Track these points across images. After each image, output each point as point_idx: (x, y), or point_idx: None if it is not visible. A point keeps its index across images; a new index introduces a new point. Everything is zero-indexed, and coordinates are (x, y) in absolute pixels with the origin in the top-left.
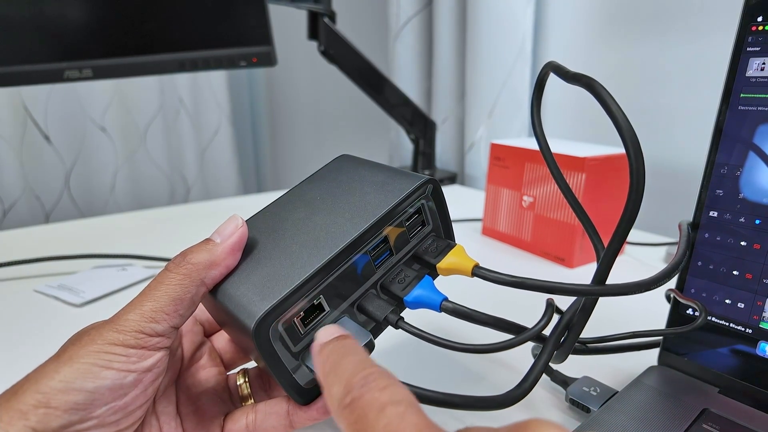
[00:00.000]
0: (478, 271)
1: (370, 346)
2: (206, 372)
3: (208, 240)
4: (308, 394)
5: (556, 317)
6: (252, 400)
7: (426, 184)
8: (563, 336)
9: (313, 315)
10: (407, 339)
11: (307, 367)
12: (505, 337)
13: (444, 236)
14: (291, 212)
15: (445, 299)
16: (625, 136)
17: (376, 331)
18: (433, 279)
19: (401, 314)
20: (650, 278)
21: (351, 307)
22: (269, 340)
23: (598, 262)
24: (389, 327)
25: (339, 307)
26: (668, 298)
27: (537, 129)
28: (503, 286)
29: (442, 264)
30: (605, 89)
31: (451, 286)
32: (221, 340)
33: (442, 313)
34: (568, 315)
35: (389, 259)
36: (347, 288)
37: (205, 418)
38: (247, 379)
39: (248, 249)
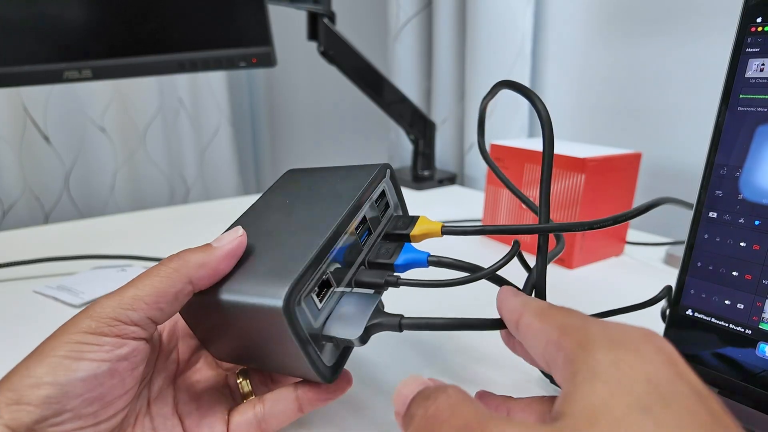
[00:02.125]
0: (446, 229)
1: (381, 305)
2: (204, 373)
3: (207, 244)
4: (333, 371)
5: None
6: (254, 396)
7: (385, 168)
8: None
9: (323, 291)
10: (399, 338)
11: (329, 338)
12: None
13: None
14: (267, 218)
15: (429, 254)
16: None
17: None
18: None
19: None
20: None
21: (349, 285)
22: (296, 316)
23: (540, 214)
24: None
25: (341, 283)
26: (663, 315)
27: (483, 154)
28: (469, 236)
29: (415, 231)
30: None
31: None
32: None
33: (430, 267)
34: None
35: (369, 237)
36: (343, 266)
37: (207, 414)
38: (246, 377)
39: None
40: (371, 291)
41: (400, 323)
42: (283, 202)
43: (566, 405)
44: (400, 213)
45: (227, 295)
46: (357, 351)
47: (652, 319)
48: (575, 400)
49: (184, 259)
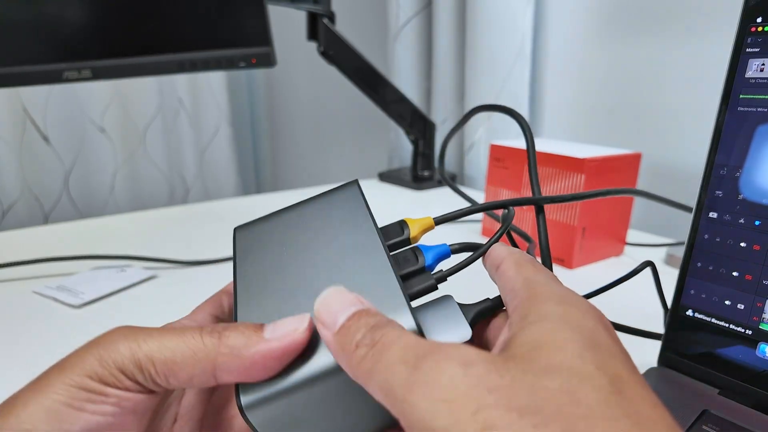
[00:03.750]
0: (437, 219)
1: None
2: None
3: (258, 326)
4: None
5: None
6: None
7: (356, 184)
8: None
9: None
10: None
11: None
12: None
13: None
14: (287, 266)
15: (447, 245)
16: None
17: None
18: None
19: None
20: None
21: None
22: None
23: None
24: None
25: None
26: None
27: (444, 179)
28: (460, 218)
29: (414, 233)
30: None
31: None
32: None
33: (452, 255)
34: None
35: (389, 255)
36: None
37: None
38: None
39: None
40: (426, 293)
41: (490, 306)
42: (281, 254)
43: (512, 340)
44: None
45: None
46: None
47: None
48: (522, 335)
49: (228, 331)
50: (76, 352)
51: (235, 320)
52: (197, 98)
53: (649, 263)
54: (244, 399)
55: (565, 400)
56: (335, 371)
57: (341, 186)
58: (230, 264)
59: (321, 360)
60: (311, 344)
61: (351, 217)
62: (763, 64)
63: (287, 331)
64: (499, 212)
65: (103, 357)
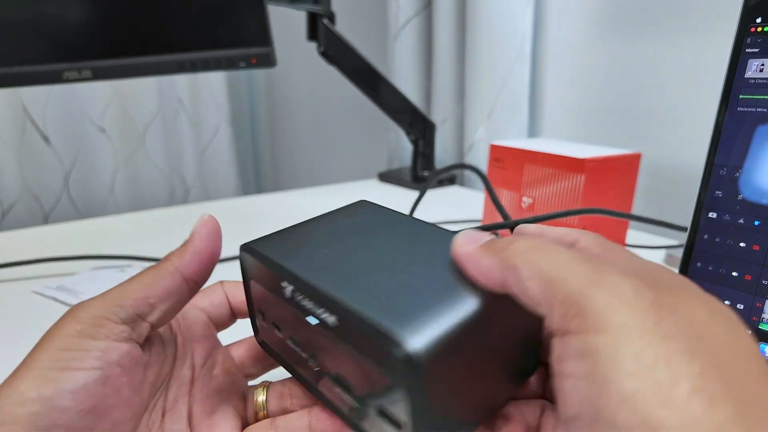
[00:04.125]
0: None
1: None
2: (221, 381)
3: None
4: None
5: None
6: (265, 411)
7: (366, 201)
8: None
9: None
10: None
11: None
12: None
13: None
14: (355, 255)
15: None
16: None
17: None
18: None
19: None
20: None
21: None
22: None
23: None
24: None
25: None
26: None
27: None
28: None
29: None
30: None
31: None
32: (241, 348)
33: None
34: None
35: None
36: None
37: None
38: (266, 391)
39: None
40: None
41: None
42: (332, 249)
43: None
44: None
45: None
46: None
47: None
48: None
49: (166, 256)
50: (51, 327)
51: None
52: (197, 98)
53: None
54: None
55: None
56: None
57: (349, 205)
58: (230, 264)
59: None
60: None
61: (385, 214)
62: (763, 65)
63: (199, 223)
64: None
65: (80, 317)
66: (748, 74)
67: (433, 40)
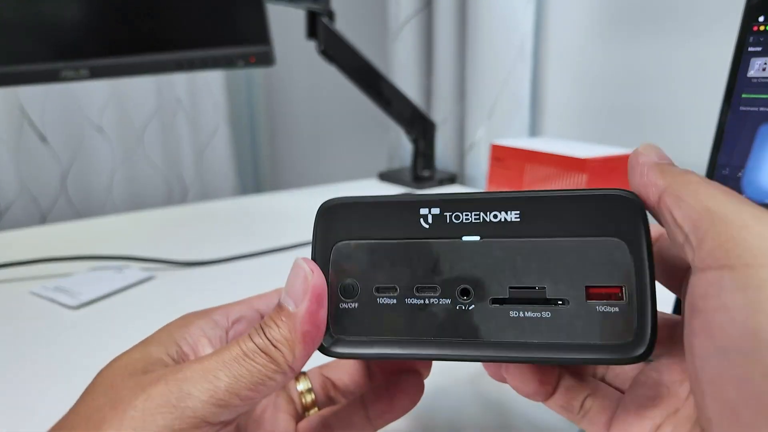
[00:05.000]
0: None
1: None
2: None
3: (280, 307)
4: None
5: None
6: (316, 408)
7: None
8: None
9: None
10: None
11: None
12: None
13: None
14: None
15: None
16: None
17: None
18: None
19: None
20: None
21: None
22: None
23: None
24: None
25: None
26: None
27: None
28: None
29: None
30: None
31: None
32: (338, 372)
33: None
34: None
35: None
36: None
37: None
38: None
39: None
40: None
41: None
42: None
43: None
44: None
45: None
46: None
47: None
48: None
49: (273, 339)
50: (131, 386)
51: None
52: (195, 98)
53: None
54: None
55: None
56: None
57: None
58: (230, 264)
59: None
60: None
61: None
62: (766, 64)
63: (303, 288)
64: None
65: (179, 410)
66: (751, 73)
67: (433, 38)
